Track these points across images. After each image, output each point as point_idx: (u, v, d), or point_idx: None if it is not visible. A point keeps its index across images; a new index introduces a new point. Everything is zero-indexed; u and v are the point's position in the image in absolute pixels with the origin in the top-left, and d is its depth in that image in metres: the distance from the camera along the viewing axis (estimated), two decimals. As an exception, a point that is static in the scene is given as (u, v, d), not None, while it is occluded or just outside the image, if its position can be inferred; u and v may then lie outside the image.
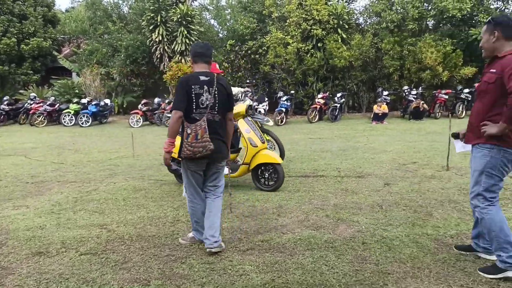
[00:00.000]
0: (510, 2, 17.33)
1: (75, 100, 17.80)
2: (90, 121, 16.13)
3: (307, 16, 16.85)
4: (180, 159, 3.22)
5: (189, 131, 3.06)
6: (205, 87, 3.13)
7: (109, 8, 22.55)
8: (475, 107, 2.82)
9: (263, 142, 5.13)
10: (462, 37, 16.46)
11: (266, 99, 16.06)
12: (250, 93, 7.15)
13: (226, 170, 4.93)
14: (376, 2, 18.06)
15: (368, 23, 18.90)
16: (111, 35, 20.63)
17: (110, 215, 4.34)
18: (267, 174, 5.20)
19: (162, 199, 4.91)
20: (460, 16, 15.76)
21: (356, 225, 3.78)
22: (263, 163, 5.11)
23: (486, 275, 2.68)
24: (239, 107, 5.14)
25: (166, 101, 17.39)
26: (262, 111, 15.30)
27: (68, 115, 16.43)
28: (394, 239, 3.39)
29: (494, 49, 2.68)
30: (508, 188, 4.76)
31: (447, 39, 16.29)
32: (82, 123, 15.94)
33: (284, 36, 16.77)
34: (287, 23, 17.35)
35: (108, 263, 3.11)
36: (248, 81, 17.00)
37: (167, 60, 18.76)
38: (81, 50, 20.97)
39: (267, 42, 17.39)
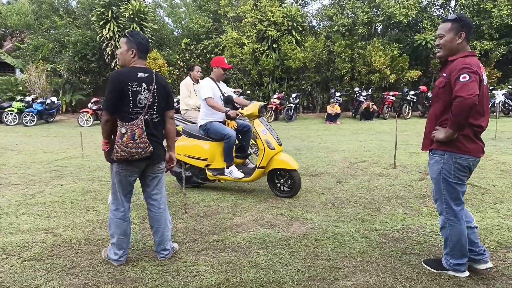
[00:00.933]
0: (451, 10, 18.51)
1: (19, 97, 16.73)
2: (36, 120, 15.22)
3: (262, 17, 17.01)
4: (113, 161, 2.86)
5: (123, 131, 2.72)
6: (144, 85, 2.82)
7: (56, 1, 21.41)
8: (430, 113, 2.74)
9: (280, 145, 4.74)
10: (408, 42, 17.36)
11: (222, 99, 15.99)
12: (239, 94, 7.05)
13: (239, 174, 4.81)
14: (328, 6, 18.62)
15: (321, 26, 19.43)
16: (58, 30, 19.61)
17: (57, 218, 4.13)
18: (282, 180, 4.83)
19: (113, 201, 4.73)
20: (406, 22, 16.63)
21: (309, 222, 3.87)
22: (278, 168, 4.75)
23: (429, 268, 2.84)
24: (252, 107, 4.70)
25: (118, 99, 16.83)
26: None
27: (11, 114, 15.40)
28: (345, 235, 3.50)
29: (456, 50, 2.56)
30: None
31: (394, 43, 17.12)
32: (27, 122, 15.02)
33: (239, 36, 16.81)
34: (242, 24, 17.41)
35: (54, 269, 2.95)
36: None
37: (119, 57, 18.15)
38: (25, 45, 19.73)
39: (222, 41, 17.35)
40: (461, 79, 2.39)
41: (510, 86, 17.17)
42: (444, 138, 2.52)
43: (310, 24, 19.60)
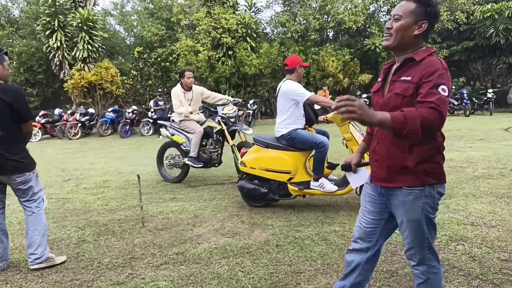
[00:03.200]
0: (396, 16, 19.46)
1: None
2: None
3: (216, 25, 17.03)
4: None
5: None
6: None
7: (-4, 10, 20.29)
8: (385, 132, 1.89)
9: None
10: (358, 47, 18.06)
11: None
12: (238, 102, 6.57)
13: (332, 187, 4.21)
14: (281, 13, 18.97)
15: (274, 32, 19.75)
16: (-1, 41, 18.56)
17: (2, 242, 3.84)
18: None
19: (65, 219, 4.50)
20: (355, 28, 17.29)
21: (270, 228, 3.87)
22: None
23: None
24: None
25: (69, 111, 16.16)
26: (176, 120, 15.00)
27: None
28: (305, 239, 3.53)
29: (409, 44, 1.86)
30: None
31: (345, 48, 17.74)
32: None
33: (194, 44, 16.71)
34: (196, 31, 17.33)
35: (0, 297, 2.74)
36: (159, 90, 16.55)
37: (68, 67, 17.45)
38: (-38, 56, 18.46)
39: (177, 49, 17.17)
40: (440, 90, 1.71)
41: (453, 87, 18.28)
42: (378, 121, 1.60)
43: (264, 31, 19.90)
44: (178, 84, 6.18)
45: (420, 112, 1.62)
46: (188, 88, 6.10)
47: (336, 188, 4.25)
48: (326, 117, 4.44)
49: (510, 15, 15.67)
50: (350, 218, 4.04)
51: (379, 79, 2.06)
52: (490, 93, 16.40)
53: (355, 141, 4.19)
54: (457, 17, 16.61)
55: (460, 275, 2.75)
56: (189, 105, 6.05)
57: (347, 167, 2.26)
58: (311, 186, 4.29)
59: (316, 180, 4.26)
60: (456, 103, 16.49)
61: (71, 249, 3.58)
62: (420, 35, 1.84)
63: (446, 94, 1.71)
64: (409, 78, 1.80)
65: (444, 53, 17.57)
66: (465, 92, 16.49)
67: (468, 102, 16.18)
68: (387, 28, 1.89)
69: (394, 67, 1.94)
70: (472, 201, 4.39)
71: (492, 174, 5.62)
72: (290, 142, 4.33)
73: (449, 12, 16.68)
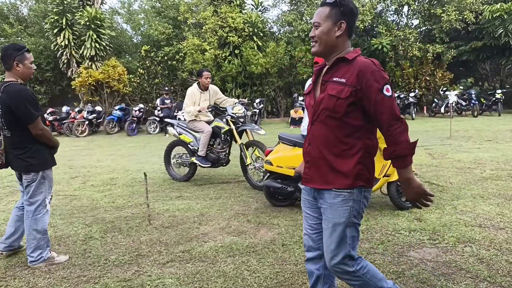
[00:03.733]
0: (404, 15, 19.34)
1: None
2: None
3: (222, 24, 17.03)
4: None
5: None
6: None
7: (5, 9, 20.44)
8: (316, 133, 1.92)
9: None
10: (366, 46, 17.94)
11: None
12: (243, 103, 6.49)
13: None
14: (288, 12, 18.92)
15: (281, 31, 19.71)
16: (8, 39, 18.71)
17: (10, 238, 3.88)
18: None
19: (72, 216, 4.53)
20: (363, 27, 17.18)
21: (276, 227, 3.87)
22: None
23: None
24: None
25: (76, 109, 16.26)
26: (182, 118, 15.04)
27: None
28: (311, 238, 3.52)
29: (335, 46, 1.90)
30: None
31: (352, 48, 17.64)
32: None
33: (201, 43, 16.73)
34: (203, 30, 17.34)
35: (8, 293, 2.77)
36: (166, 88, 16.61)
37: (75, 65, 17.56)
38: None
39: (184, 48, 17.20)
40: (385, 91, 1.75)
41: (461, 87, 18.14)
42: (411, 177, 1.80)
43: (271, 30, 19.86)
44: (195, 84, 6.09)
45: (399, 136, 1.77)
46: (205, 88, 6.04)
47: None
48: None
49: (519, 15, 15.51)
50: (356, 218, 4.03)
51: (311, 81, 2.07)
52: (498, 93, 16.25)
53: None
54: (465, 16, 16.45)
55: (468, 277, 2.73)
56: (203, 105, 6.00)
57: (298, 178, 2.16)
58: None
59: None
60: (464, 103, 16.35)
61: (78, 245, 3.60)
62: (343, 35, 1.89)
63: (390, 93, 1.77)
64: (343, 80, 1.81)
65: (452, 53, 17.42)
66: (473, 93, 16.35)
67: (476, 102, 16.04)
68: (311, 36, 1.94)
69: (326, 68, 1.96)
70: (480, 203, 4.35)
71: (500, 175, 5.57)
72: None
73: (458, 12, 16.53)
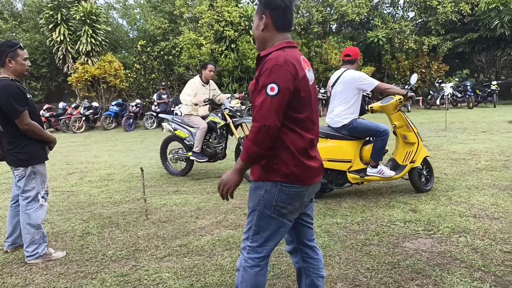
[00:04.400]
0: (400, 8, 19.30)
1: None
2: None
3: (219, 18, 16.95)
4: None
5: None
6: None
7: (-1, 4, 20.30)
8: None
9: None
10: (361, 39, 17.94)
11: (182, 101, 15.77)
12: (232, 98, 6.46)
13: (390, 172, 4.40)
14: (284, 5, 18.81)
15: (277, 25, 19.62)
16: (3, 35, 18.58)
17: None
18: (424, 171, 4.62)
19: (70, 212, 4.54)
20: (359, 20, 17.15)
21: (272, 220, 3.88)
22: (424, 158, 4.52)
23: None
24: (392, 100, 4.46)
25: (73, 105, 16.20)
26: (179, 113, 15.01)
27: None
28: (308, 231, 3.55)
29: (264, 41, 1.88)
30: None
31: (348, 41, 17.62)
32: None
33: (197, 37, 16.66)
34: (199, 24, 17.26)
35: (6, 288, 2.78)
36: (163, 83, 16.55)
37: (71, 61, 17.46)
38: (-34, 51, 18.52)
39: (180, 43, 17.12)
40: (268, 90, 1.71)
41: (457, 79, 18.17)
42: (235, 180, 1.85)
43: (267, 24, 19.76)
44: (197, 76, 6.11)
45: (251, 134, 1.74)
46: (206, 81, 6.07)
47: (393, 173, 4.42)
48: (371, 107, 4.60)
49: (515, 6, 15.51)
50: (352, 210, 4.06)
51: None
52: (494, 85, 16.28)
53: (409, 126, 4.47)
54: (461, 8, 16.44)
55: (462, 267, 2.76)
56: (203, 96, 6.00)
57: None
58: (368, 173, 4.40)
59: (375, 166, 4.37)
60: (459, 95, 16.39)
61: (75, 241, 3.62)
62: (268, 28, 1.85)
63: (274, 93, 1.70)
64: (256, 74, 1.84)
65: (448, 45, 17.42)
66: (468, 84, 16.37)
67: (472, 94, 16.08)
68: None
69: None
70: (475, 193, 4.39)
71: (495, 166, 5.61)
72: (351, 131, 4.35)
73: (454, 4, 16.50)
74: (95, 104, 16.20)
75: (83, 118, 15.17)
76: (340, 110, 4.34)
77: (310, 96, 1.85)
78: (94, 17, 17.11)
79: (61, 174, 6.81)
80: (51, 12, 16.63)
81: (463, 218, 3.66)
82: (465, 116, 13.11)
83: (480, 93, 16.74)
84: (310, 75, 1.87)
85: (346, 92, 4.31)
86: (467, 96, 16.05)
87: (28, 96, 3.16)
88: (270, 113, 1.70)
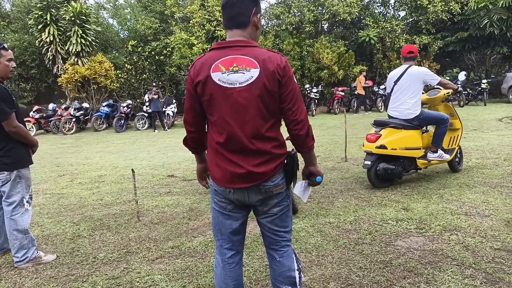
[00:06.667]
0: (391, 7, 19.40)
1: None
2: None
3: (210, 17, 16.88)
4: None
5: None
6: None
7: (-13, 4, 20.01)
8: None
9: None
10: (353, 39, 18.01)
11: (174, 101, 15.71)
12: None
13: (447, 156, 4.98)
14: (275, 5, 18.83)
15: (269, 25, 19.61)
16: (-9, 35, 18.33)
17: (-3, 238, 3.83)
18: (458, 154, 5.35)
19: (60, 214, 4.49)
20: (350, 20, 17.20)
21: (265, 221, 3.87)
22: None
23: None
24: (440, 93, 5.05)
25: (63, 106, 16.03)
26: (171, 114, 14.94)
27: None
28: (300, 231, 3.55)
29: (255, 39, 1.93)
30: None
31: (340, 40, 17.67)
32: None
33: (188, 37, 16.57)
34: (190, 24, 17.17)
35: (-6, 293, 2.74)
36: (154, 83, 16.44)
37: (61, 62, 17.27)
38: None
39: (171, 43, 17.01)
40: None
41: (447, 78, 18.29)
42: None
43: (259, 23, 19.73)
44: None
45: None
46: None
47: (448, 155, 5.03)
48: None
49: (504, 5, 15.65)
50: (344, 210, 4.06)
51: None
52: (484, 83, 16.42)
53: (454, 114, 5.17)
54: (451, 7, 16.57)
55: (454, 264, 2.78)
56: None
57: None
58: (430, 158, 4.91)
59: (435, 151, 4.90)
60: (450, 94, 16.49)
61: (66, 244, 3.58)
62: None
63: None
64: None
65: (439, 44, 17.55)
66: (459, 83, 16.51)
67: (463, 92, 16.20)
68: None
69: None
70: (466, 191, 4.42)
71: (485, 164, 5.66)
72: (421, 121, 4.79)
73: (444, 3, 16.63)
74: (85, 105, 16.04)
75: (74, 120, 15.02)
76: (411, 103, 4.73)
77: (219, 99, 1.76)
78: (84, 17, 16.93)
79: (51, 176, 6.73)
80: (40, 13, 16.42)
81: (454, 216, 3.69)
82: (455, 114, 13.21)
83: (470, 91, 16.89)
84: (228, 77, 1.74)
85: (414, 86, 4.70)
86: (458, 95, 16.17)
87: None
88: (185, 110, 1.93)
